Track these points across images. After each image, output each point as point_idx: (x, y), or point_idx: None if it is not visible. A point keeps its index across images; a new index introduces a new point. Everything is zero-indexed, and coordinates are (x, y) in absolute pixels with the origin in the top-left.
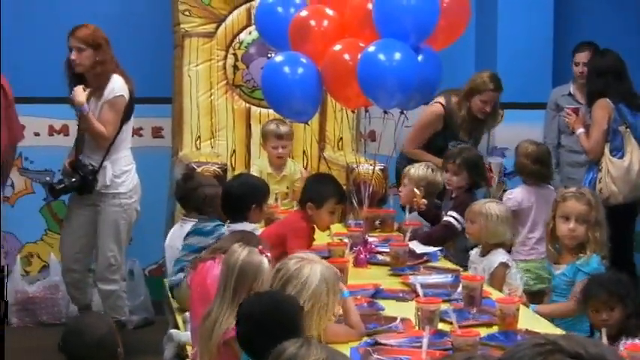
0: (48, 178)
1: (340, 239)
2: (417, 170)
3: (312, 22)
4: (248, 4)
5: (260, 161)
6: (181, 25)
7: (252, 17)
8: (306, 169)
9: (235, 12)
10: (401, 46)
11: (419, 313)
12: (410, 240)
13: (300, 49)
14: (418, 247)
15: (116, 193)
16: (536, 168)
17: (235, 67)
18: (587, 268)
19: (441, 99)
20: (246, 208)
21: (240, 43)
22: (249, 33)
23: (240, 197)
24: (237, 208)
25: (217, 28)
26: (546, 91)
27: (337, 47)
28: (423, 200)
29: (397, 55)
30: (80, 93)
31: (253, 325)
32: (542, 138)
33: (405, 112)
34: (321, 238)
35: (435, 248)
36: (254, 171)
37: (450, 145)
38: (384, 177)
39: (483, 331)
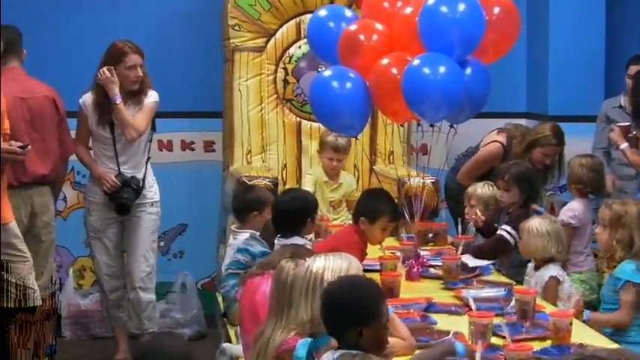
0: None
1: (392, 253)
2: (483, 190)
3: (361, 37)
4: (298, 19)
5: (314, 170)
6: (231, 40)
7: (302, 31)
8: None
9: (285, 26)
10: (445, 59)
11: (472, 327)
12: (462, 253)
13: (350, 63)
14: (471, 261)
15: (153, 202)
16: (593, 177)
17: (285, 81)
18: (622, 275)
19: (502, 138)
20: (297, 224)
21: (290, 57)
22: (299, 47)
23: (291, 212)
24: (288, 223)
25: (267, 42)
26: (598, 103)
27: (385, 61)
28: (481, 217)
29: (441, 69)
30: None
31: (338, 305)
32: (592, 150)
33: (454, 126)
34: (373, 252)
35: (488, 262)
36: (308, 179)
37: None
38: (436, 190)
39: (536, 345)
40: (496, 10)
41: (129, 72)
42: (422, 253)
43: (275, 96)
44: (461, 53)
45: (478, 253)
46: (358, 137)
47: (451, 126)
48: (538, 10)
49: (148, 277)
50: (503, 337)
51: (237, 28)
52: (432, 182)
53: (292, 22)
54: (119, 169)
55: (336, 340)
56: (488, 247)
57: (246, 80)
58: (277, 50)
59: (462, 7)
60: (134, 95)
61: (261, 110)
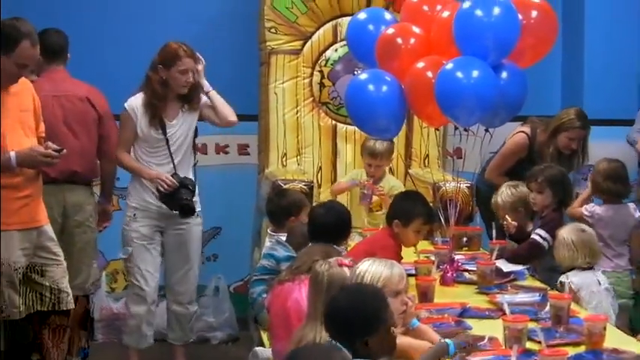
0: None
1: (427, 257)
2: (503, 197)
3: (399, 40)
4: (334, 22)
5: (357, 171)
6: (267, 43)
7: (339, 34)
8: None
9: (321, 29)
10: (479, 63)
11: (506, 331)
12: (497, 258)
13: (387, 66)
14: (505, 266)
15: (198, 211)
16: (607, 185)
17: (321, 85)
18: None
19: (526, 128)
20: (333, 238)
21: (327, 60)
22: (336, 50)
23: (327, 227)
24: (323, 237)
25: (303, 45)
26: (632, 107)
27: (420, 64)
28: (513, 223)
29: (475, 73)
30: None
31: (340, 318)
32: (631, 132)
33: (490, 130)
34: (407, 256)
35: (522, 267)
36: (347, 178)
37: None
38: (471, 194)
39: (571, 351)
40: (534, 13)
41: (180, 76)
42: (456, 257)
43: (311, 99)
44: (496, 57)
45: (512, 258)
46: (394, 140)
47: (486, 130)
48: (573, 14)
49: (195, 290)
50: (539, 343)
51: (273, 30)
52: (467, 187)
53: (329, 25)
54: (175, 169)
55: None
56: (523, 252)
57: (282, 83)
58: (313, 53)
59: (497, 10)
60: (187, 100)
61: (296, 113)
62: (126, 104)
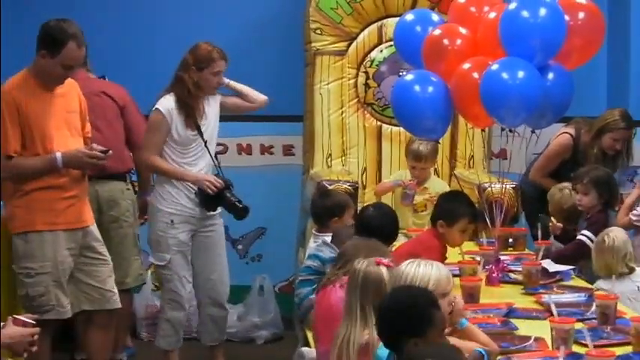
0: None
1: (472, 257)
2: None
3: (445, 41)
4: (379, 23)
5: (400, 173)
6: (313, 44)
7: (384, 35)
8: None
9: (366, 30)
10: (524, 64)
11: (553, 332)
12: (542, 259)
13: (433, 67)
14: (551, 266)
15: (219, 213)
16: None
17: (367, 85)
18: None
19: (570, 129)
20: (381, 238)
21: (372, 61)
22: (381, 51)
23: (375, 227)
24: (371, 237)
25: (349, 46)
26: None
27: (466, 65)
28: (559, 225)
29: (520, 74)
30: None
31: (390, 320)
32: None
33: (535, 131)
34: (453, 257)
35: (568, 267)
36: (391, 178)
37: None
38: (516, 196)
39: (619, 351)
40: (581, 15)
41: (213, 77)
42: (502, 258)
43: (356, 100)
44: (542, 58)
45: (558, 258)
46: (440, 141)
47: (532, 131)
48: (619, 15)
49: (227, 292)
50: (585, 346)
51: (318, 31)
52: (513, 188)
53: (374, 26)
54: (219, 170)
55: (393, 352)
56: (569, 253)
57: (327, 84)
58: (359, 54)
59: (543, 12)
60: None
61: (341, 114)
62: (160, 107)
